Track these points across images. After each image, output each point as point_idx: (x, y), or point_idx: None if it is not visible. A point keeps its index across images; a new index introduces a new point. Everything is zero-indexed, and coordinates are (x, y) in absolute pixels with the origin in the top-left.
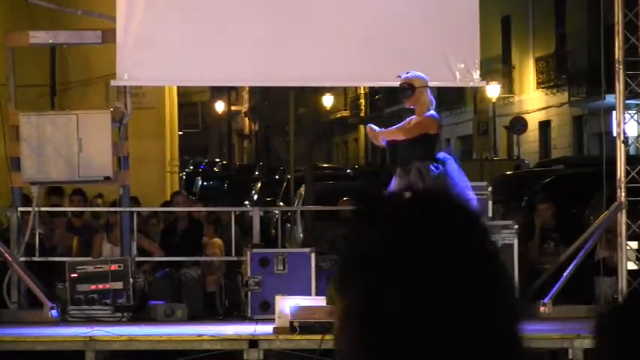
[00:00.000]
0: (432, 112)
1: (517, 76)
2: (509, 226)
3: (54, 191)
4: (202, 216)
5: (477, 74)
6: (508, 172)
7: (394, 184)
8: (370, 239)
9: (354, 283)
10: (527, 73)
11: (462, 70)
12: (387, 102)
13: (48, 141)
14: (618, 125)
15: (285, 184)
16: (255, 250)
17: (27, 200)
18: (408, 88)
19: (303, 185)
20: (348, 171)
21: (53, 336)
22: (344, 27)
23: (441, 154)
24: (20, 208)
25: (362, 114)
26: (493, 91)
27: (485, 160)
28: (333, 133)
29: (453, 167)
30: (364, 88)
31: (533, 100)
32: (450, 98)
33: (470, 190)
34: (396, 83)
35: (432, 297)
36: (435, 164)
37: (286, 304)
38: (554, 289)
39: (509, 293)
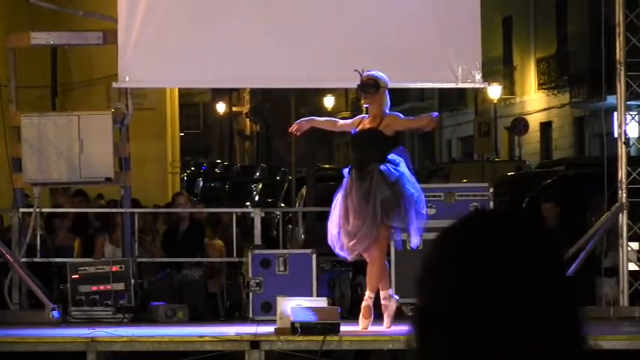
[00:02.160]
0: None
1: (518, 77)
2: None
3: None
4: (204, 217)
5: (478, 75)
6: (509, 173)
7: (351, 187)
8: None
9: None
10: (529, 74)
11: (464, 70)
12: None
13: (49, 142)
14: (619, 126)
15: (286, 185)
16: (256, 251)
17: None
18: (374, 85)
19: (304, 186)
20: None
21: (54, 337)
22: (345, 28)
23: (391, 156)
24: (21, 209)
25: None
26: (494, 92)
27: (486, 161)
28: (334, 134)
29: (405, 169)
30: None
31: (535, 101)
32: (451, 99)
33: (421, 193)
34: (397, 84)
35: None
36: (394, 167)
37: (288, 305)
38: None
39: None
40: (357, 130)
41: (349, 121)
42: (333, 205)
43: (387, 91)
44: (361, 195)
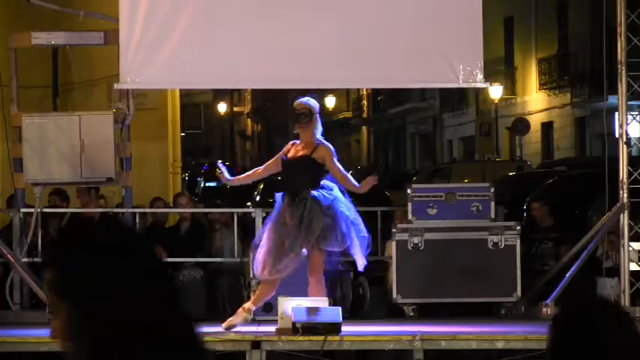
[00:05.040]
0: (323, 139)
1: (519, 77)
2: (511, 227)
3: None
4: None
5: (480, 75)
6: (511, 174)
7: (284, 214)
8: None
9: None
10: (530, 75)
11: (466, 70)
12: (389, 103)
13: (50, 142)
14: (620, 126)
15: None
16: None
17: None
18: (308, 114)
19: None
20: (350, 172)
21: None
22: (346, 28)
23: (324, 182)
24: (22, 210)
25: (364, 115)
26: (495, 92)
27: (487, 162)
28: (335, 134)
29: (338, 193)
30: (366, 89)
31: (536, 101)
32: (453, 99)
33: (357, 216)
34: (399, 85)
35: None
36: (327, 192)
37: (289, 305)
38: (557, 290)
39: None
40: (287, 156)
41: (273, 159)
42: (262, 230)
43: (318, 117)
44: (295, 221)
